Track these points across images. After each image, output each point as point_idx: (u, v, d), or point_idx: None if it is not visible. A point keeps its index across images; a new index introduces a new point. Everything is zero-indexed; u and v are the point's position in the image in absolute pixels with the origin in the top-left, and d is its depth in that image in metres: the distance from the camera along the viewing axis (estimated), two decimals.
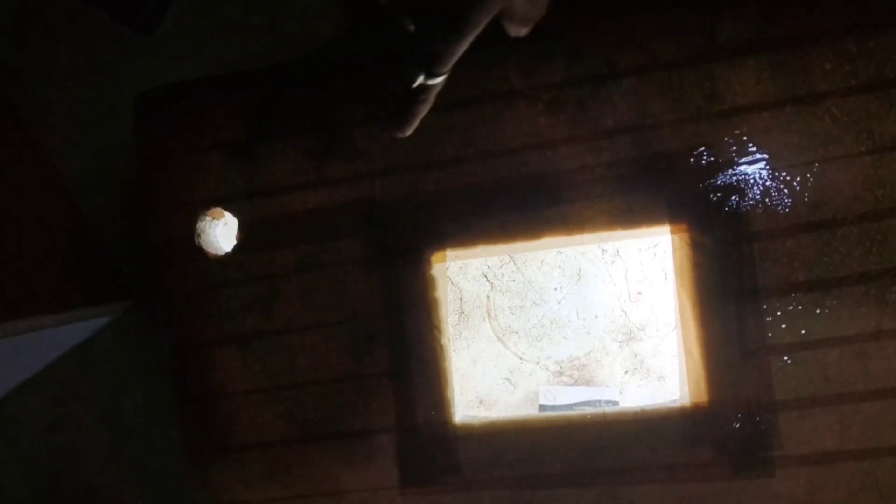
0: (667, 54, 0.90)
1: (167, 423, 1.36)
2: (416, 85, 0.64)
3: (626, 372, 1.24)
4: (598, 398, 1.21)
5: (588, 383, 1.24)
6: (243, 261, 0.99)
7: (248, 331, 0.99)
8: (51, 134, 1.38)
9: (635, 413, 0.92)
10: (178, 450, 1.03)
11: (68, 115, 1.38)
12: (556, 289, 1.27)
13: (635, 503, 0.92)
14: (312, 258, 0.97)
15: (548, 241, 0.94)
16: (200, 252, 1.00)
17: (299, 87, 0.98)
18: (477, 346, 1.28)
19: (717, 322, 0.89)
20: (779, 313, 0.87)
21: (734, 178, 0.88)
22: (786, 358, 0.87)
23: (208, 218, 1.01)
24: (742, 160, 0.88)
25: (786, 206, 0.87)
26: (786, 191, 0.87)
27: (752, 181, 0.88)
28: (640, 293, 1.24)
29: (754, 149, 0.88)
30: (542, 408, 1.21)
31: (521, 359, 1.27)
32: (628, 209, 0.91)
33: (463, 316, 1.29)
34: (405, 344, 0.95)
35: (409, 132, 0.70)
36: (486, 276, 1.29)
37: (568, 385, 1.24)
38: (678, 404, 0.93)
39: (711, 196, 0.89)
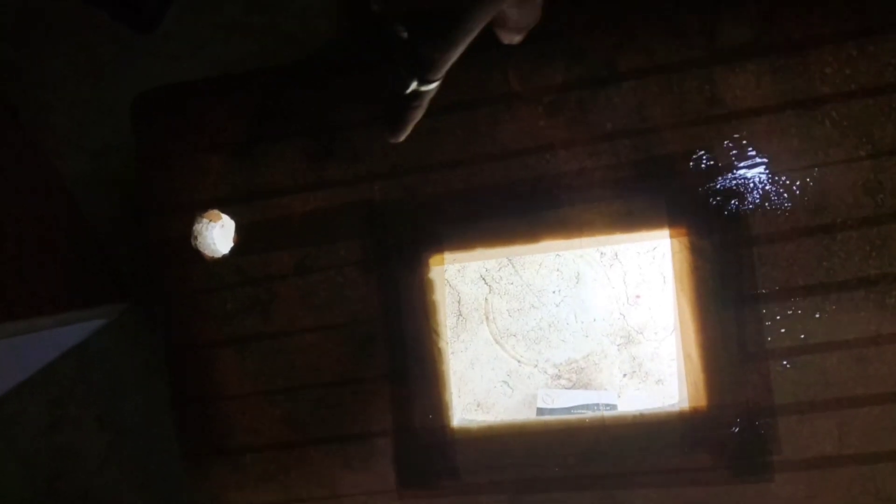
0: (667, 57, 0.89)
1: (165, 423, 1.35)
2: (408, 91, 0.63)
3: (625, 375, 1.24)
4: (596, 401, 1.20)
5: (586, 386, 1.24)
6: (241, 263, 0.99)
7: (246, 333, 0.99)
8: (50, 134, 1.38)
9: (634, 417, 0.91)
10: (176, 451, 1.03)
11: (68, 116, 1.38)
12: (554, 292, 1.26)
13: None
14: (311, 260, 0.97)
15: (547, 244, 0.94)
16: (197, 254, 1.00)
17: (299, 88, 0.98)
18: (475, 349, 1.28)
19: (716, 326, 0.88)
20: (778, 317, 0.87)
21: (734, 181, 0.88)
22: (785, 362, 0.87)
23: (205, 220, 1.01)
24: (742, 164, 0.88)
25: (786, 211, 0.87)
26: (786, 195, 0.87)
27: (751, 185, 0.88)
28: (638, 296, 1.24)
29: (754, 152, 0.88)
30: (539, 411, 1.21)
31: (519, 362, 1.26)
32: (628, 213, 0.91)
33: (461, 318, 1.29)
34: (403, 347, 0.95)
35: (402, 138, 0.69)
36: (484, 278, 1.28)
37: (566, 388, 1.24)
38: (677, 408, 0.93)
39: (711, 200, 0.89)
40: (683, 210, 0.89)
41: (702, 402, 0.89)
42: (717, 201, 0.88)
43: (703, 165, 0.89)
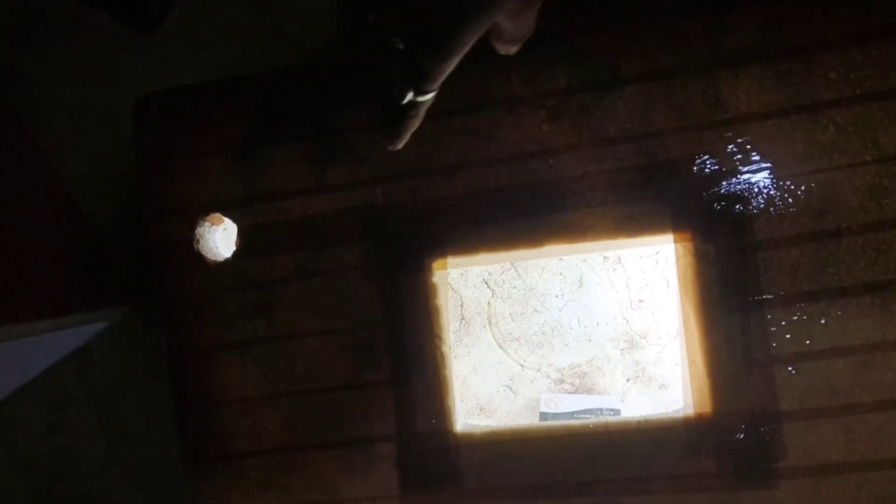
0: (670, 61, 0.89)
1: (166, 427, 1.35)
2: (405, 102, 0.64)
3: (628, 380, 1.23)
4: (599, 406, 1.20)
5: (589, 391, 1.24)
6: (243, 267, 0.98)
7: (248, 337, 0.98)
8: (51, 136, 1.37)
9: (638, 423, 0.91)
10: (176, 454, 1.03)
11: (68, 117, 1.38)
12: (557, 296, 1.26)
13: None
14: (313, 265, 0.97)
15: (550, 248, 0.93)
16: (199, 258, 0.99)
17: (301, 91, 0.98)
18: (477, 353, 1.27)
19: (721, 331, 0.88)
20: (783, 323, 0.87)
21: (738, 186, 0.88)
22: (790, 368, 0.87)
23: (207, 223, 1.01)
24: (746, 168, 0.87)
25: (790, 215, 0.86)
26: (790, 199, 0.87)
27: (756, 190, 0.87)
28: (641, 301, 1.23)
29: (758, 157, 0.87)
30: (542, 415, 1.21)
31: (521, 366, 1.26)
32: (631, 217, 0.90)
33: (463, 322, 1.28)
34: (406, 351, 0.95)
35: (400, 145, 0.70)
36: (486, 282, 1.28)
37: (569, 392, 1.24)
38: (681, 414, 0.92)
39: (715, 204, 0.88)
40: (688, 215, 0.89)
41: (707, 407, 0.89)
42: (722, 206, 0.88)
43: (707, 170, 0.88)
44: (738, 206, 0.88)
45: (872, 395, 0.85)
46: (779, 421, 0.87)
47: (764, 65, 0.87)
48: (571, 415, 1.19)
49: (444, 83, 0.64)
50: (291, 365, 0.97)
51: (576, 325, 1.25)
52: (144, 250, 1.03)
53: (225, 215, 0.99)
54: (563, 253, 1.13)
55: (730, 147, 0.88)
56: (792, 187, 0.86)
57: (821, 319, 0.86)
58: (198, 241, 0.99)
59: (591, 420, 0.95)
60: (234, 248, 0.99)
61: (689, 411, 0.92)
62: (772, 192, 0.87)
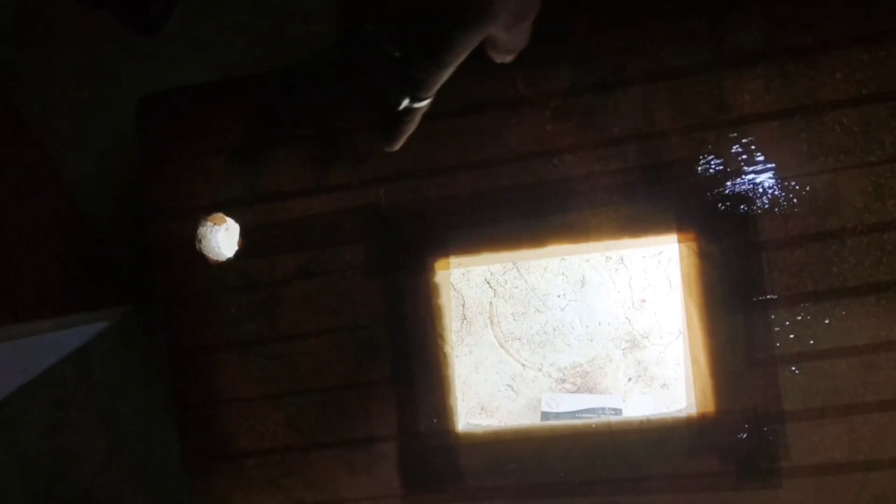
0: (675, 62, 0.89)
1: (166, 426, 1.35)
2: (401, 108, 0.65)
3: (630, 379, 1.23)
4: (601, 406, 1.20)
5: (591, 391, 1.23)
6: (245, 267, 0.98)
7: (250, 337, 0.98)
8: (52, 135, 1.37)
9: (641, 422, 0.91)
10: (176, 454, 1.02)
11: (69, 117, 1.37)
12: (559, 296, 1.26)
13: None
14: (315, 264, 0.97)
15: (553, 249, 0.93)
16: (201, 258, 0.99)
17: (303, 91, 0.98)
18: (479, 353, 1.27)
19: (724, 331, 0.88)
20: (787, 323, 0.87)
21: (742, 187, 0.88)
22: (794, 368, 0.86)
23: (209, 223, 1.00)
24: (751, 169, 0.87)
25: (795, 216, 0.86)
26: (795, 200, 0.86)
27: (760, 190, 0.87)
28: (643, 301, 1.23)
29: (763, 157, 0.87)
30: (544, 415, 1.20)
31: (523, 365, 1.26)
32: (635, 217, 0.90)
33: (465, 322, 1.28)
34: (408, 351, 0.95)
35: (397, 148, 0.71)
36: (488, 282, 1.28)
37: (570, 392, 1.24)
38: (684, 414, 0.92)
39: (720, 205, 0.88)
40: (692, 215, 0.89)
41: (710, 407, 0.89)
42: (726, 206, 0.88)
43: (711, 170, 0.88)
44: (742, 207, 0.87)
45: (876, 396, 0.85)
46: (782, 421, 0.86)
47: (769, 65, 0.87)
48: (573, 414, 1.19)
49: (446, 84, 0.64)
50: (293, 365, 0.97)
51: (578, 324, 1.25)
52: (145, 250, 1.03)
53: (227, 215, 0.99)
54: (567, 253, 1.12)
55: (734, 147, 0.88)
56: (796, 187, 0.86)
57: (825, 320, 0.86)
58: (200, 241, 0.99)
59: (593, 420, 0.94)
60: (236, 248, 0.99)
61: (692, 411, 0.92)
62: (776, 193, 0.87)
